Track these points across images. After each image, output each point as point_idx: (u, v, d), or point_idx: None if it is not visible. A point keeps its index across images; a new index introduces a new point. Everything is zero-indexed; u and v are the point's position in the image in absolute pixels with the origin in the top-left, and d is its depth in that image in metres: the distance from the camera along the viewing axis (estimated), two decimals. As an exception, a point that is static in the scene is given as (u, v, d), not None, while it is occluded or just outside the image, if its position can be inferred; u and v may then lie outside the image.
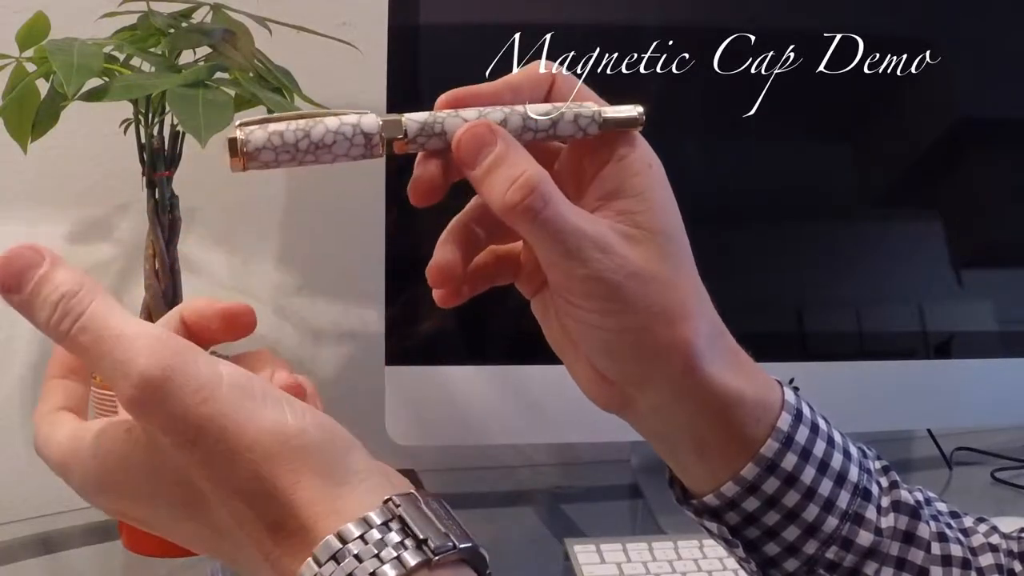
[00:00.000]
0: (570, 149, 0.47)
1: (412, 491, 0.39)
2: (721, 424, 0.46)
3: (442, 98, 0.45)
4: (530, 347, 0.94)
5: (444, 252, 0.46)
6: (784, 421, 0.47)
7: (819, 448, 0.48)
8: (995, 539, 0.52)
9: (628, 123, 0.45)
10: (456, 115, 0.44)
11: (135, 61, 0.81)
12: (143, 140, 0.83)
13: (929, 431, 1.16)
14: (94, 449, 0.40)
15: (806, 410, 0.48)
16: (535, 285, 0.48)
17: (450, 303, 0.47)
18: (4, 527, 0.93)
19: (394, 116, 0.43)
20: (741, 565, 0.50)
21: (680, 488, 0.50)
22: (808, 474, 0.47)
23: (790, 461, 0.47)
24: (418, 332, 0.92)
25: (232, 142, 0.42)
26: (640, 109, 0.45)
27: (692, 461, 0.48)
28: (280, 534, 0.37)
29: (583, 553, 0.85)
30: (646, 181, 0.44)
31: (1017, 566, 0.51)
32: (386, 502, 0.38)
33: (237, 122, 0.42)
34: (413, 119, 0.43)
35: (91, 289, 0.39)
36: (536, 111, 0.44)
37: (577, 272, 0.43)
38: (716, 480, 0.48)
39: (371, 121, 0.43)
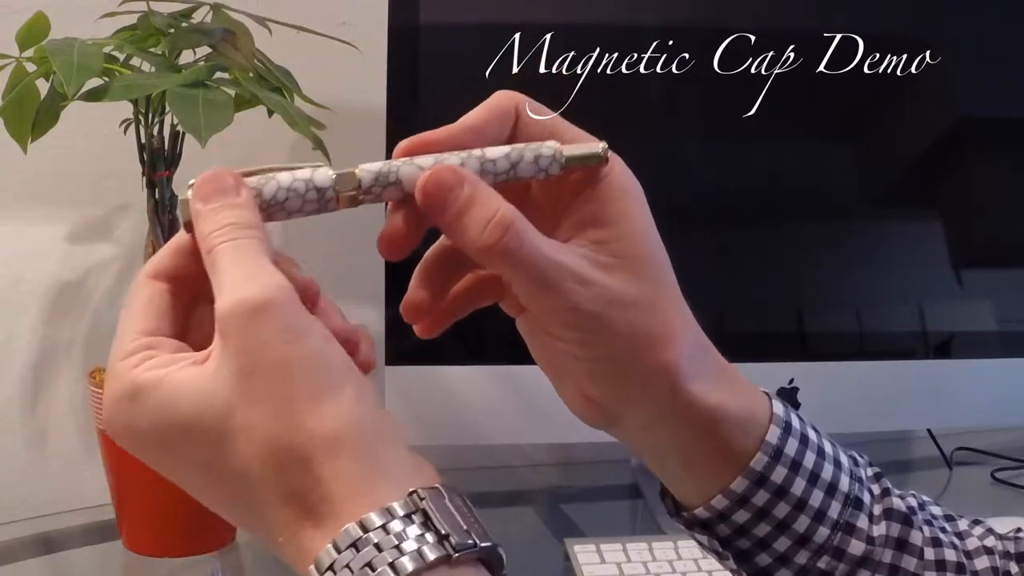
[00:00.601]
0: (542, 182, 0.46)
1: (438, 485, 0.39)
2: (707, 440, 0.47)
3: (400, 146, 0.44)
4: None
5: (415, 291, 0.47)
6: (773, 434, 0.47)
7: (809, 460, 0.48)
8: (990, 541, 0.52)
9: (591, 160, 0.44)
10: (411, 163, 0.43)
11: (135, 61, 0.81)
12: (143, 140, 0.83)
13: (929, 431, 1.16)
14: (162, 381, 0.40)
15: (795, 422, 0.48)
16: (519, 307, 0.48)
17: (429, 335, 0.48)
18: (4, 527, 0.93)
19: (347, 169, 0.43)
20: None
21: (672, 501, 0.51)
22: (799, 486, 0.47)
23: (780, 474, 0.47)
24: (418, 332, 0.92)
25: (184, 203, 0.42)
26: (604, 145, 0.44)
27: (681, 476, 0.49)
28: (302, 504, 0.38)
29: (583, 553, 0.85)
30: (621, 208, 0.44)
31: (1013, 567, 0.51)
32: (411, 494, 0.38)
33: (190, 182, 0.43)
34: (367, 170, 0.43)
35: (258, 235, 0.41)
36: (495, 153, 0.44)
37: (557, 305, 0.43)
38: (706, 494, 0.48)
39: (324, 175, 0.43)
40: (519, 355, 0.49)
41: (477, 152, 0.44)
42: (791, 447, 0.47)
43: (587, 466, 1.16)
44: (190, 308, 0.43)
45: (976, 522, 0.53)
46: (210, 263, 0.41)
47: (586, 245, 0.44)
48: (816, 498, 0.48)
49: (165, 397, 0.39)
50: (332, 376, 0.39)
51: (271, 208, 0.42)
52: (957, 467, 1.16)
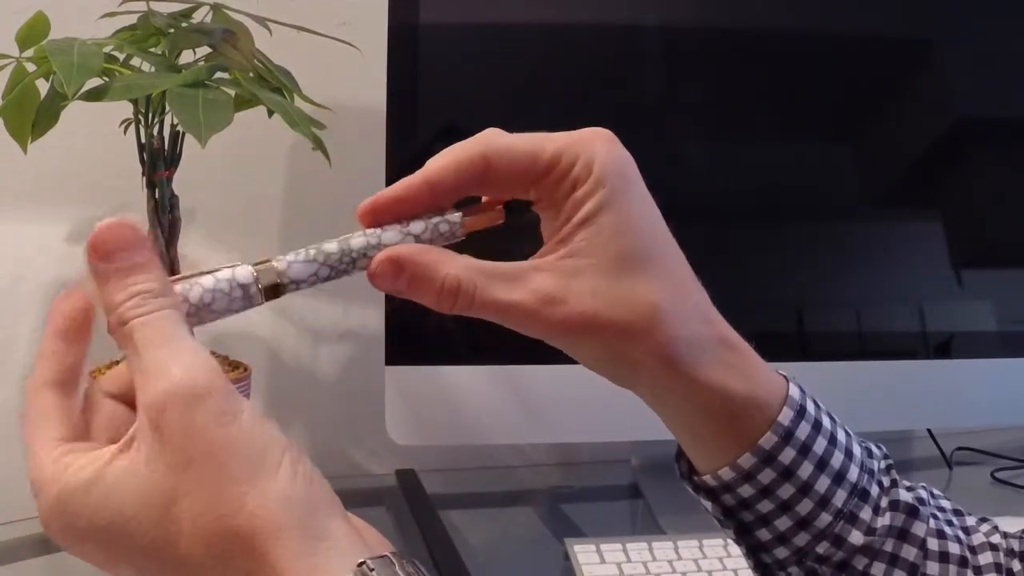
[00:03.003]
0: (541, 186, 0.47)
1: (387, 554, 0.39)
2: (712, 419, 0.47)
3: (361, 209, 0.46)
4: (530, 347, 0.94)
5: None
6: (785, 416, 0.47)
7: (819, 446, 0.48)
8: (996, 538, 0.52)
9: (490, 223, 0.47)
10: (322, 250, 0.45)
11: (135, 61, 0.81)
12: (143, 140, 0.83)
13: (929, 431, 1.16)
14: (96, 476, 0.40)
15: (810, 407, 0.49)
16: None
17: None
18: (4, 527, 0.93)
19: (266, 263, 0.44)
20: (736, 542, 0.51)
21: (686, 463, 0.51)
22: (805, 469, 0.48)
23: (788, 455, 0.47)
24: (418, 332, 0.92)
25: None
26: (499, 210, 0.47)
27: (691, 447, 0.50)
28: None
29: (583, 553, 0.85)
30: (593, 206, 0.45)
31: (1016, 565, 0.51)
32: (360, 565, 0.38)
33: None
34: (286, 260, 0.45)
35: (172, 303, 0.41)
36: (412, 230, 0.46)
37: (538, 329, 0.45)
38: (715, 465, 0.49)
39: (245, 272, 0.44)
40: (519, 355, 0.50)
41: (395, 228, 0.46)
42: (803, 431, 0.48)
43: (587, 466, 1.16)
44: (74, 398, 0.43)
45: (983, 520, 0.53)
46: (124, 336, 0.40)
47: (565, 249, 0.46)
48: (822, 484, 0.48)
49: (100, 495, 0.39)
50: (268, 454, 0.39)
51: (200, 312, 0.43)
52: (957, 467, 1.16)
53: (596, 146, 0.46)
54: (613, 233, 0.45)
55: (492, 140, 0.46)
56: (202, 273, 0.43)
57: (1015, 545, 0.52)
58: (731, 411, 0.47)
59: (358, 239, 0.46)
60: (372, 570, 0.37)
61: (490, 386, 0.93)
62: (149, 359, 0.39)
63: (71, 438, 0.42)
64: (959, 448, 1.18)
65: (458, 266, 0.45)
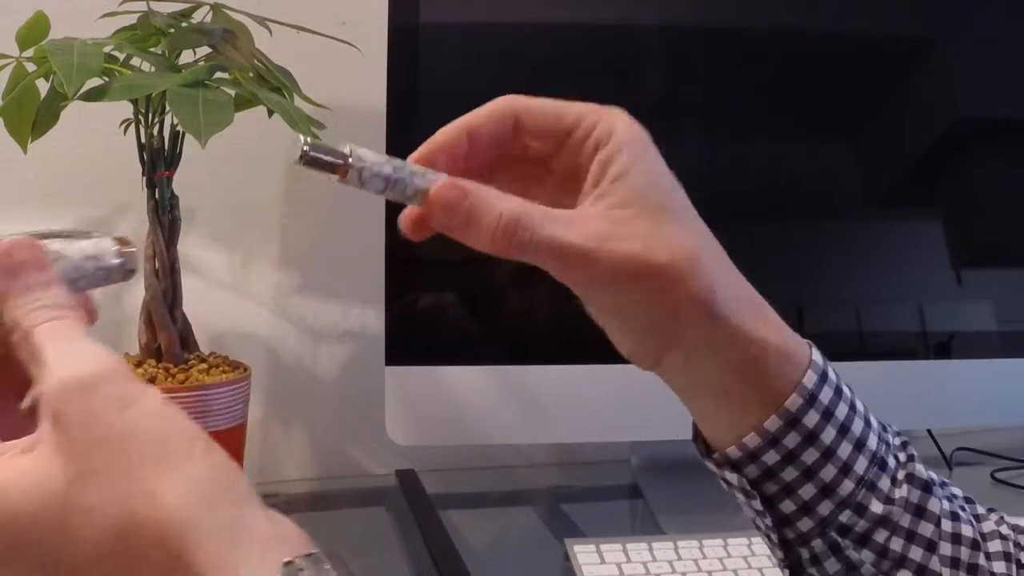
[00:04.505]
0: (563, 157, 0.49)
1: (315, 551, 0.36)
2: (746, 373, 0.48)
3: (420, 151, 0.47)
4: (530, 347, 0.94)
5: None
6: (810, 379, 0.48)
7: (841, 411, 0.49)
8: (1004, 529, 0.53)
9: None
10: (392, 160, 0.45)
11: (135, 61, 0.81)
12: (143, 140, 0.83)
13: (929, 431, 1.16)
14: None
15: (831, 373, 0.49)
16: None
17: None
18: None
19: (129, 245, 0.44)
20: (756, 523, 0.51)
21: (703, 444, 0.52)
22: (828, 434, 0.48)
23: (812, 419, 0.48)
24: (418, 332, 0.92)
25: None
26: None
27: (719, 414, 0.50)
28: None
29: (583, 553, 0.85)
30: (623, 164, 0.47)
31: None
32: (288, 564, 0.35)
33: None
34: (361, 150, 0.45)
35: (76, 316, 0.40)
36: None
37: (589, 271, 0.45)
38: (740, 431, 0.49)
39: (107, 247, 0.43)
40: (519, 355, 0.49)
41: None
42: (825, 395, 0.48)
43: (587, 466, 1.16)
44: None
45: (991, 510, 0.54)
46: (27, 346, 0.39)
47: (601, 203, 0.46)
48: (844, 450, 0.48)
49: None
50: (176, 440, 0.37)
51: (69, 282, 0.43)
52: (957, 467, 1.16)
53: (615, 113, 0.48)
54: (648, 185, 0.47)
55: (516, 98, 0.48)
56: (54, 235, 0.43)
57: (1023, 541, 0.52)
58: (765, 365, 0.47)
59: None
60: (301, 570, 0.35)
61: (490, 386, 0.93)
62: (49, 355, 0.38)
63: None
64: (959, 448, 1.18)
65: (516, 202, 0.45)
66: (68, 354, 0.38)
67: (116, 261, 0.43)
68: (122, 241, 0.44)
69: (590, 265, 0.45)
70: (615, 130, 0.47)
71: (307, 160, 0.44)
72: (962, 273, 1.02)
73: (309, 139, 0.44)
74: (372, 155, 0.45)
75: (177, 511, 0.35)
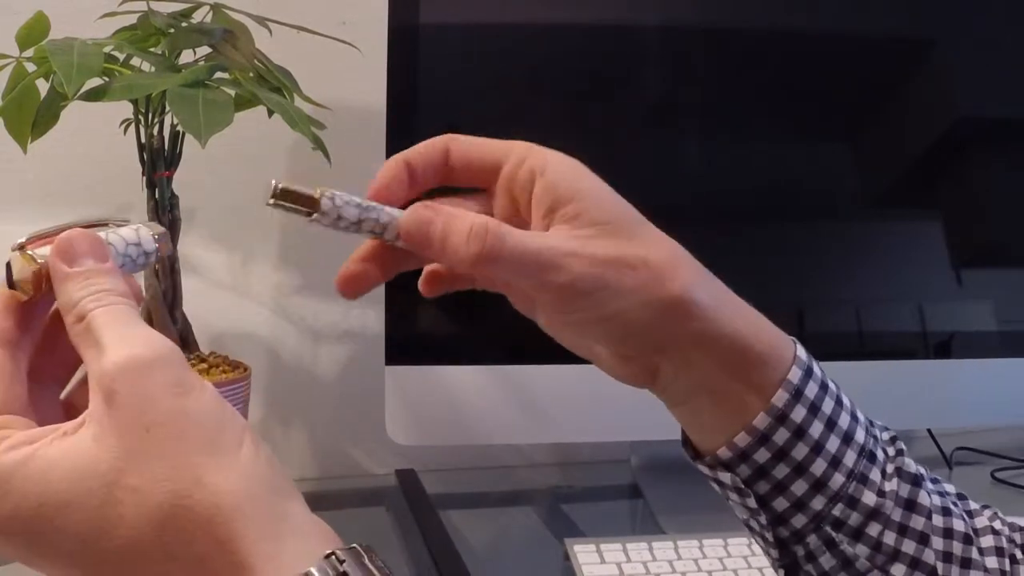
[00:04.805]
0: (499, 193, 0.49)
1: (355, 545, 0.38)
2: (733, 371, 0.48)
3: (372, 188, 0.50)
4: (530, 347, 0.94)
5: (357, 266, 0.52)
6: (795, 375, 0.48)
7: (827, 406, 0.49)
8: (997, 524, 0.53)
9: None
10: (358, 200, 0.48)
11: (135, 61, 0.81)
12: (143, 140, 0.83)
13: (929, 431, 1.16)
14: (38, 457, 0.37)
15: (816, 368, 0.50)
16: (529, 302, 0.50)
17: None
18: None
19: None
20: (749, 524, 0.51)
21: (693, 448, 0.52)
22: (816, 428, 0.48)
23: (799, 413, 0.48)
24: (418, 332, 0.92)
25: (20, 259, 0.43)
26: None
27: (710, 417, 0.50)
28: (206, 572, 0.36)
29: (583, 553, 0.85)
30: (573, 184, 0.47)
31: (1019, 553, 0.52)
32: (328, 556, 0.36)
33: (19, 240, 0.44)
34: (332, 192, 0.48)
35: (131, 302, 0.41)
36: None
37: (560, 280, 0.45)
38: (730, 432, 0.49)
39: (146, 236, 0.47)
40: (519, 355, 0.49)
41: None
42: (811, 390, 0.49)
43: (587, 466, 1.16)
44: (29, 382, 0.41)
45: (985, 506, 0.54)
46: (82, 329, 0.39)
47: (562, 226, 0.46)
48: (832, 444, 0.49)
49: (34, 475, 0.36)
50: (228, 430, 0.38)
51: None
52: (957, 467, 1.16)
53: (543, 148, 0.49)
54: (602, 202, 0.47)
55: (451, 135, 0.49)
56: (92, 225, 0.46)
57: (1017, 538, 0.53)
58: (750, 364, 0.48)
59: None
60: (342, 562, 0.36)
61: (490, 386, 0.93)
62: (105, 337, 0.38)
63: (13, 409, 0.40)
64: (959, 448, 1.18)
65: (483, 215, 0.46)
66: (126, 336, 0.39)
67: (155, 246, 0.46)
68: (155, 226, 0.47)
69: (573, 264, 0.45)
70: (548, 159, 0.48)
71: (279, 194, 0.46)
72: (962, 273, 1.02)
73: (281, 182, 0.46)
74: (341, 193, 0.47)
75: (228, 498, 0.36)
